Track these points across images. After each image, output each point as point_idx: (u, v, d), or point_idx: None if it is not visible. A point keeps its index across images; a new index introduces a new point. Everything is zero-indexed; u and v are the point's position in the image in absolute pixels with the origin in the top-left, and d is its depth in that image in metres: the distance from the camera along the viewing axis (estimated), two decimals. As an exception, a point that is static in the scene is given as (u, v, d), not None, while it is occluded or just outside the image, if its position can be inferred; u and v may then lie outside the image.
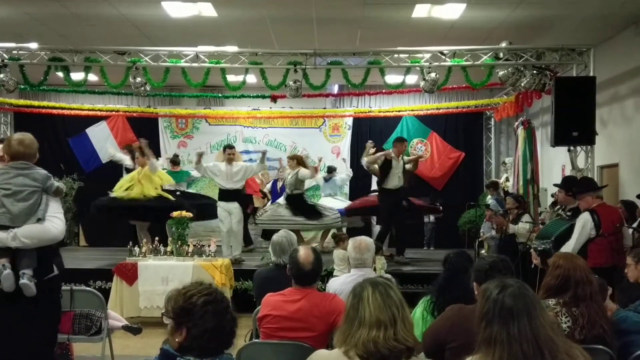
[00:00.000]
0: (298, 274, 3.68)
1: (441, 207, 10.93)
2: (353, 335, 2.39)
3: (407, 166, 9.45)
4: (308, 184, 11.02)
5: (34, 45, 8.99)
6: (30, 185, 3.44)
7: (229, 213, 9.32)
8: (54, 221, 3.46)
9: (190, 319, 2.23)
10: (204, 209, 9.30)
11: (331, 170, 11.54)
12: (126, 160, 10.46)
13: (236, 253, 9.31)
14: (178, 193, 9.94)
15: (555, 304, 3.51)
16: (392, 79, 9.57)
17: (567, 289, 3.55)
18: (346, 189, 12.79)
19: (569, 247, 5.98)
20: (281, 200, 10.22)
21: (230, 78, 9.29)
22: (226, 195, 9.40)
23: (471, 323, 2.75)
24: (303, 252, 3.71)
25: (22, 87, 10.20)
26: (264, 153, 9.90)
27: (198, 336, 2.22)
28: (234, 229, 9.39)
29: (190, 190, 11.08)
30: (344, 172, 11.82)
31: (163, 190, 9.16)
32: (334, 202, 11.02)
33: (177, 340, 2.24)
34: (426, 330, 3.30)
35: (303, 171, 9.91)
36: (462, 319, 3.03)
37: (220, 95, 12.85)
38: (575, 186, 6.65)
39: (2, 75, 9.00)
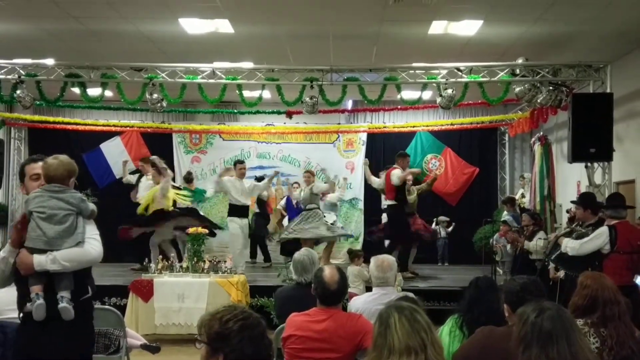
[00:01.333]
0: (323, 294, 3.64)
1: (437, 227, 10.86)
2: None
3: (423, 186, 9.56)
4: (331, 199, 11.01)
5: (50, 62, 9.05)
6: (65, 209, 3.38)
7: (242, 229, 9.35)
8: (92, 243, 3.42)
9: (227, 344, 2.18)
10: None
11: (259, 179, 10.99)
12: (133, 180, 10.59)
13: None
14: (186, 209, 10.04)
15: (583, 324, 3.45)
16: (408, 94, 9.56)
17: (595, 309, 3.50)
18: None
19: (574, 244, 5.95)
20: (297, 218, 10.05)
21: (246, 94, 9.32)
22: (239, 210, 9.42)
23: (502, 346, 2.71)
24: (329, 272, 3.67)
25: (38, 103, 10.27)
26: (275, 173, 9.97)
27: None
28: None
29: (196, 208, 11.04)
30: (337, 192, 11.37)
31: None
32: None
33: None
34: (456, 352, 3.25)
35: (318, 185, 9.92)
36: (493, 342, 2.98)
37: (234, 111, 12.88)
38: (592, 202, 6.63)
39: (18, 92, 9.06)
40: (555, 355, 2.27)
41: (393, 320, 2.40)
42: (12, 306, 3.61)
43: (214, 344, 2.21)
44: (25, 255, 3.28)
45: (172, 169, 12.36)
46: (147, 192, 9.73)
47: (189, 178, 11.36)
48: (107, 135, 13.15)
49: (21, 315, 3.37)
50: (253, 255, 11.83)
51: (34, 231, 3.33)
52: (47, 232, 3.30)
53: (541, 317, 2.36)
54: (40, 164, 3.56)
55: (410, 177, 9.60)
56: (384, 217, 10.59)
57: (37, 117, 12.78)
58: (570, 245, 6.03)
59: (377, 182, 10.13)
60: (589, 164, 8.70)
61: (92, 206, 3.53)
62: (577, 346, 2.31)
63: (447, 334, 3.60)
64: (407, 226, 9.69)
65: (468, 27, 8.13)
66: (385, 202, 10.15)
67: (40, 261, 3.26)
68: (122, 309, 7.59)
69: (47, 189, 3.42)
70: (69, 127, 12.86)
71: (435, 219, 12.45)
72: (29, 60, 9.13)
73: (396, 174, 9.42)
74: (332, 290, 3.62)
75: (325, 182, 10.67)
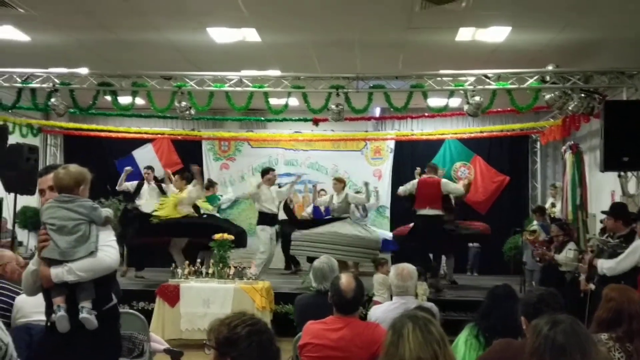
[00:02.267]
0: (340, 302, 3.64)
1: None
2: None
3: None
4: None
5: (84, 71, 9.26)
6: (74, 218, 3.36)
7: (272, 237, 9.41)
8: (107, 250, 3.37)
9: (235, 349, 2.20)
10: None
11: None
12: (131, 188, 10.71)
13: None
14: (205, 216, 10.12)
15: (607, 338, 3.38)
16: (435, 102, 9.49)
17: (621, 323, 3.42)
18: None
19: (610, 263, 5.82)
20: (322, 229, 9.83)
21: (273, 101, 9.38)
22: (269, 218, 9.48)
23: (519, 359, 2.66)
24: (345, 280, 3.67)
25: (72, 111, 10.51)
26: (298, 178, 10.01)
27: None
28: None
29: (217, 215, 11.10)
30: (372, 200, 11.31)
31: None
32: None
33: None
34: (473, 365, 3.21)
35: (355, 195, 9.90)
36: (509, 355, 2.93)
37: (262, 118, 12.98)
38: (624, 213, 6.49)
39: (53, 100, 9.28)
40: None
41: (406, 330, 2.36)
42: (38, 309, 3.65)
43: (222, 349, 2.23)
44: (43, 267, 3.29)
45: (202, 176, 12.53)
46: (152, 196, 9.81)
47: (209, 185, 11.44)
48: (139, 142, 13.38)
49: (48, 324, 3.37)
50: (288, 266, 11.87)
51: (49, 242, 3.33)
52: (59, 243, 3.29)
53: (554, 330, 2.32)
54: (52, 174, 3.55)
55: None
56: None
57: (71, 125, 13.09)
58: (606, 267, 5.91)
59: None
60: (622, 173, 8.51)
61: (105, 212, 3.48)
62: None
63: (464, 342, 3.57)
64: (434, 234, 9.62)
65: (496, 34, 8.03)
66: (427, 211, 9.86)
67: (57, 273, 3.26)
68: (149, 313, 7.70)
69: (57, 200, 3.43)
70: (102, 134, 13.15)
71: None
72: (63, 70, 9.36)
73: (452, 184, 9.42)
74: (348, 299, 3.61)
75: (357, 192, 10.67)
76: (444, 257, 10.35)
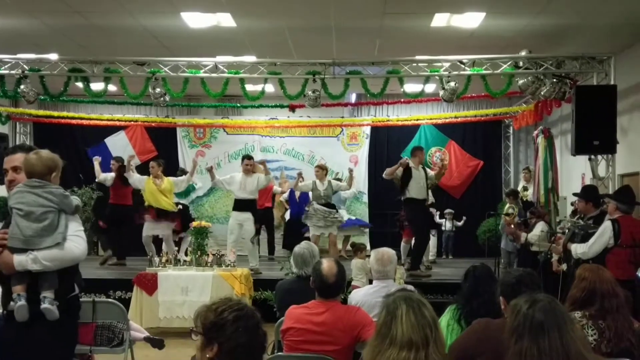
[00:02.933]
0: (321, 286, 3.67)
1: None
2: (383, 353, 2.35)
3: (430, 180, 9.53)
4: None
5: (54, 56, 9.09)
6: (44, 205, 3.23)
7: (241, 224, 9.34)
8: (75, 241, 3.26)
9: (222, 334, 2.22)
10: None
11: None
12: (108, 178, 10.53)
13: (252, 264, 9.29)
14: (180, 207, 10.08)
15: (581, 316, 3.47)
16: (411, 87, 9.55)
17: (593, 302, 3.51)
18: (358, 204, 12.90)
19: (583, 248, 5.96)
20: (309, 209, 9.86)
21: (249, 88, 9.33)
22: (240, 205, 9.42)
23: (498, 338, 2.73)
24: (327, 265, 3.70)
25: (42, 97, 10.31)
26: (262, 162, 10.00)
27: (229, 351, 2.21)
28: (245, 239, 9.43)
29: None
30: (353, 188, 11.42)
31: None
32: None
33: (207, 356, 2.23)
34: (452, 344, 3.26)
35: (339, 183, 9.95)
36: (489, 334, 2.99)
37: (238, 105, 12.90)
38: (594, 195, 6.64)
39: (22, 87, 9.09)
40: (547, 346, 2.29)
41: (400, 311, 2.39)
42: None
43: (209, 334, 2.25)
44: (6, 254, 3.16)
45: (177, 164, 12.42)
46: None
47: (181, 174, 11.30)
48: (112, 129, 13.19)
49: (5, 312, 3.28)
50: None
51: (13, 229, 3.20)
52: (24, 231, 3.17)
53: (533, 308, 2.38)
54: (18, 155, 3.44)
55: (400, 169, 9.42)
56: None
57: (41, 112, 12.81)
58: (580, 251, 6.05)
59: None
60: (592, 157, 8.69)
61: (75, 201, 3.36)
62: (569, 337, 2.32)
63: (445, 326, 3.62)
64: (426, 218, 9.70)
65: (470, 20, 8.09)
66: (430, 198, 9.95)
67: (20, 261, 3.13)
68: (127, 302, 7.66)
69: (27, 184, 3.30)
70: (74, 121, 12.90)
71: (438, 212, 12.41)
72: (32, 55, 9.17)
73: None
74: (330, 283, 3.65)
75: (334, 179, 10.70)
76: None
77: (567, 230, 6.99)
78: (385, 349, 2.35)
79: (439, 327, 2.44)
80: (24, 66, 9.06)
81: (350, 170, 10.21)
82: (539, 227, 8.14)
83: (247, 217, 9.35)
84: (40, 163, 3.30)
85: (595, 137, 8.20)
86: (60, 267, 3.20)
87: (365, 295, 4.49)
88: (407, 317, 2.36)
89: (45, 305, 3.15)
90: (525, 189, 11.16)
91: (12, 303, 3.16)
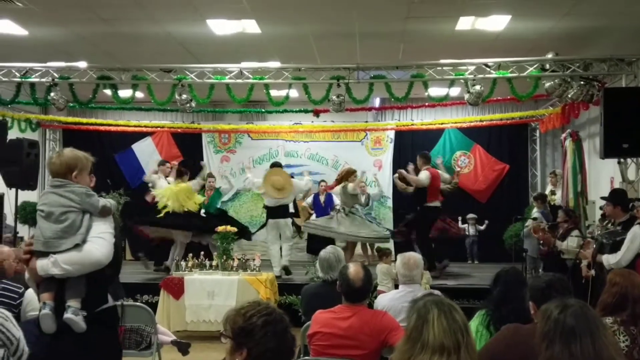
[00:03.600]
0: (348, 291, 3.67)
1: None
2: (414, 357, 2.33)
3: (448, 186, 9.63)
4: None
5: (83, 64, 9.26)
6: (64, 205, 3.03)
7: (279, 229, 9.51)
8: (97, 242, 2.97)
9: (251, 339, 2.23)
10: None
11: None
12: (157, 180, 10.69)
13: (276, 271, 9.38)
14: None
15: (612, 322, 3.42)
16: (436, 91, 9.51)
17: (625, 307, 3.47)
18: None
19: (616, 258, 5.84)
20: (334, 214, 9.92)
21: (273, 93, 9.38)
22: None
23: (528, 344, 2.70)
24: (353, 269, 3.70)
25: (72, 105, 10.50)
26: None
27: (258, 356, 2.21)
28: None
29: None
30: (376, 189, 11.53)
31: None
32: None
33: None
34: (480, 350, 3.24)
35: (349, 185, 9.96)
36: (518, 340, 2.96)
37: (262, 110, 12.98)
38: (623, 199, 6.50)
39: (52, 94, 9.29)
40: (579, 351, 2.26)
41: (432, 316, 2.36)
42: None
43: (238, 339, 2.25)
44: (33, 260, 3.01)
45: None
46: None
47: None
48: (139, 135, 13.37)
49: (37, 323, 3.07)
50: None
51: (36, 231, 3.08)
52: (45, 232, 3.00)
53: (564, 313, 2.35)
54: None
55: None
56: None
57: (70, 119, 13.06)
58: (612, 262, 5.91)
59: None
60: (621, 160, 8.54)
61: (103, 201, 3.12)
62: (601, 342, 2.29)
63: (474, 332, 3.58)
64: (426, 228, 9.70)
65: (496, 23, 8.04)
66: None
67: (42, 265, 2.96)
68: (154, 306, 7.74)
69: (50, 184, 3.19)
70: (102, 128, 13.13)
71: (461, 217, 12.34)
72: (62, 64, 9.36)
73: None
74: (356, 287, 3.65)
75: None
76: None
77: (595, 240, 6.84)
78: (416, 353, 2.32)
79: (470, 332, 2.41)
80: (54, 74, 9.24)
81: (363, 172, 10.50)
82: (573, 233, 7.96)
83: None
84: (59, 162, 3.15)
85: (625, 140, 8.04)
86: (82, 271, 2.95)
87: (392, 300, 4.47)
88: (439, 321, 2.33)
89: (67, 315, 2.92)
90: (552, 192, 11.01)
91: (37, 312, 3.01)
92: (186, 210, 9.40)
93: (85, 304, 2.99)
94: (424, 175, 9.31)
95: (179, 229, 9.55)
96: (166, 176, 10.22)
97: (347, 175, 9.90)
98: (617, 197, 6.54)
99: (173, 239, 9.76)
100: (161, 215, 9.26)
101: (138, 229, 9.81)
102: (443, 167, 10.45)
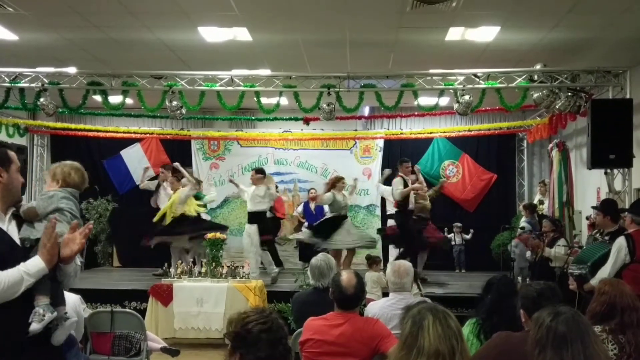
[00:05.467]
0: (340, 298, 3.69)
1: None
2: None
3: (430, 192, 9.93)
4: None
5: (73, 70, 9.22)
6: None
7: (249, 235, 9.51)
8: None
9: (244, 345, 2.26)
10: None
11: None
12: (152, 187, 10.74)
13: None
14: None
15: (601, 330, 3.46)
16: (425, 101, 9.59)
17: (613, 316, 3.50)
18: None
19: (604, 273, 5.86)
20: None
21: (264, 101, 9.41)
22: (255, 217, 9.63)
23: (519, 351, 2.73)
24: (346, 276, 3.72)
25: (61, 110, 10.45)
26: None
27: None
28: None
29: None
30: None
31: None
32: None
33: None
34: (472, 357, 3.26)
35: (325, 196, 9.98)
36: (509, 347, 2.99)
37: (252, 117, 12.99)
38: (613, 209, 6.53)
39: (42, 100, 9.23)
40: (570, 357, 2.29)
41: (427, 322, 2.40)
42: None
43: (233, 343, 2.31)
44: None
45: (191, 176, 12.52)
46: (166, 201, 9.89)
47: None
48: (128, 142, 13.32)
49: None
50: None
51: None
52: None
53: (556, 320, 2.39)
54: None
55: (414, 191, 9.70)
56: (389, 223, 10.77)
57: (59, 125, 12.99)
58: (601, 277, 5.94)
59: (387, 189, 10.21)
60: (608, 170, 8.65)
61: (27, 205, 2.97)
62: (592, 349, 2.33)
63: (465, 339, 3.61)
64: (413, 233, 9.72)
65: (485, 34, 8.12)
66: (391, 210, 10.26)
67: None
68: (142, 312, 7.69)
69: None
70: (90, 134, 13.07)
71: (446, 227, 12.43)
72: (52, 69, 9.30)
73: (397, 187, 9.50)
74: (349, 295, 3.67)
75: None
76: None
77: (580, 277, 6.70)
78: (412, 359, 2.35)
79: (464, 338, 2.45)
80: (44, 79, 9.20)
81: (355, 180, 10.58)
82: (559, 242, 8.03)
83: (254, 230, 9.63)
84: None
85: (611, 151, 8.17)
86: None
87: (382, 308, 4.50)
88: (434, 327, 2.38)
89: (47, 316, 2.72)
90: (541, 202, 11.12)
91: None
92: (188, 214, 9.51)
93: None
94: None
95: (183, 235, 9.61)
96: (164, 181, 10.31)
97: (335, 182, 9.92)
98: (607, 207, 6.53)
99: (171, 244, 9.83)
100: (166, 222, 9.28)
101: (146, 237, 9.87)
102: (421, 175, 10.67)
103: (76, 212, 2.99)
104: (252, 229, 9.55)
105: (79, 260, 2.87)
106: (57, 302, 2.76)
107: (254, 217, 9.67)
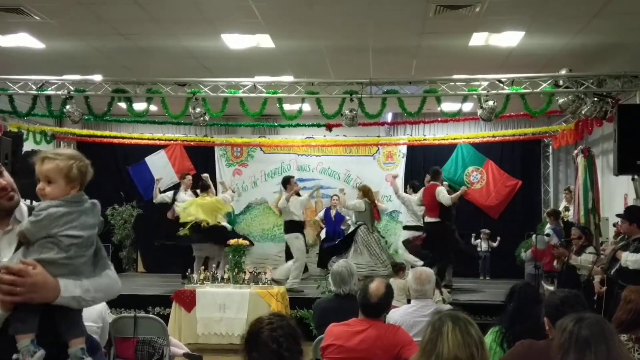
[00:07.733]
0: (363, 304, 3.69)
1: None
2: None
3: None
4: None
5: (98, 77, 9.34)
6: None
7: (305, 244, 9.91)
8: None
9: (254, 347, 2.28)
10: None
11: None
12: (167, 199, 10.79)
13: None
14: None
15: (627, 339, 3.39)
16: (448, 106, 9.52)
17: (640, 324, 3.43)
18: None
19: (635, 257, 5.78)
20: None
21: (287, 107, 9.43)
22: (300, 226, 10.17)
23: (542, 359, 2.69)
24: (375, 284, 3.73)
25: (87, 117, 10.60)
26: (317, 188, 10.16)
27: None
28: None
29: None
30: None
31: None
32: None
33: None
34: (495, 365, 3.23)
35: (351, 203, 9.96)
36: (533, 355, 2.95)
37: (275, 124, 13.04)
38: (639, 216, 6.44)
39: (68, 107, 9.36)
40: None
41: (446, 328, 2.38)
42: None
43: (246, 344, 2.35)
44: None
45: (214, 182, 12.60)
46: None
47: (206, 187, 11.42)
48: (152, 148, 13.46)
49: None
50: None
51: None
52: None
53: (579, 325, 2.37)
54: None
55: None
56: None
57: (85, 132, 13.19)
58: (631, 259, 5.88)
59: (412, 199, 10.17)
60: (635, 177, 8.49)
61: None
62: (616, 353, 2.29)
63: (488, 348, 3.56)
64: (451, 244, 9.66)
65: (509, 39, 8.06)
66: (427, 219, 10.09)
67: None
68: (166, 318, 7.74)
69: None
70: (116, 140, 13.23)
71: (473, 233, 12.32)
72: (77, 77, 9.44)
73: (444, 193, 9.49)
74: (372, 303, 3.66)
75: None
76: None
77: (620, 241, 6.75)
78: None
79: (486, 347, 2.41)
80: (70, 87, 9.33)
81: (341, 190, 10.89)
82: (588, 250, 7.90)
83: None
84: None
85: (638, 156, 8.01)
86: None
87: (404, 315, 4.46)
88: (453, 334, 2.35)
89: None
90: (566, 209, 10.96)
91: None
92: (210, 224, 9.52)
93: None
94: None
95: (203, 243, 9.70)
96: (188, 188, 10.39)
97: (368, 191, 9.94)
98: (633, 214, 6.51)
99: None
100: (186, 231, 9.32)
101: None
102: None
103: (80, 231, 2.29)
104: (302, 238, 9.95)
105: (78, 291, 2.26)
106: (74, 333, 2.25)
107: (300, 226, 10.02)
